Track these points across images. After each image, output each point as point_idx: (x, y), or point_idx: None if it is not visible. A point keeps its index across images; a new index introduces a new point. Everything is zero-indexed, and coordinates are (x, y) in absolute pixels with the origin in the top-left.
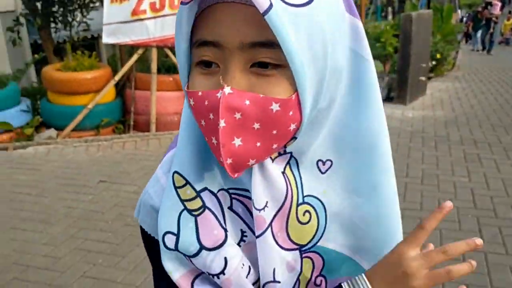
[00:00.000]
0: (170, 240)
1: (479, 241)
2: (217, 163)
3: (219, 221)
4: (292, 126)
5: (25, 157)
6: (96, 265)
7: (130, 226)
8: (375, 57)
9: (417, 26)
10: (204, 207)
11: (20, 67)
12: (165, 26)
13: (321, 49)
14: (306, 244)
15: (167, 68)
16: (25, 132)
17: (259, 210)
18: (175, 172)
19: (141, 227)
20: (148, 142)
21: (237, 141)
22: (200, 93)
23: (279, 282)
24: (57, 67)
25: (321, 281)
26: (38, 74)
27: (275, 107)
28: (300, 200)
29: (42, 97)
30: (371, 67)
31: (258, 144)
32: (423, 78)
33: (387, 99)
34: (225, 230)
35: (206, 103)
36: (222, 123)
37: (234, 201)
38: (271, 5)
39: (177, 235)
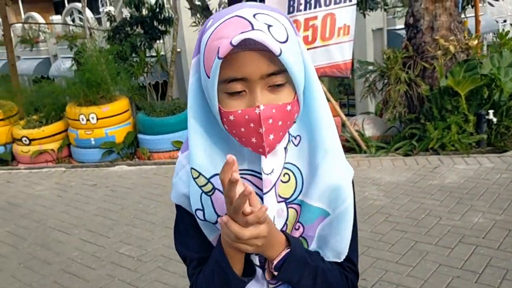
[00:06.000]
0: (200, 215)
1: (247, 190)
2: (226, 153)
3: None
4: (296, 115)
5: None
6: None
7: None
8: None
9: None
10: (214, 189)
11: None
12: (316, 57)
13: (302, 66)
14: (289, 198)
15: None
16: None
17: (267, 174)
18: (191, 168)
19: (178, 206)
20: None
21: (271, 136)
22: (239, 111)
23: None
24: None
25: (299, 226)
26: None
27: (289, 107)
28: (284, 166)
29: None
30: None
31: (281, 133)
32: None
33: None
34: None
35: (246, 117)
36: (263, 129)
37: (241, 180)
38: (281, 49)
39: (203, 210)
